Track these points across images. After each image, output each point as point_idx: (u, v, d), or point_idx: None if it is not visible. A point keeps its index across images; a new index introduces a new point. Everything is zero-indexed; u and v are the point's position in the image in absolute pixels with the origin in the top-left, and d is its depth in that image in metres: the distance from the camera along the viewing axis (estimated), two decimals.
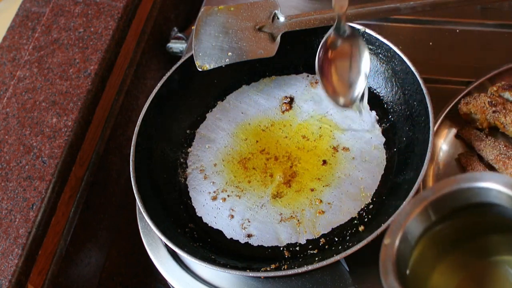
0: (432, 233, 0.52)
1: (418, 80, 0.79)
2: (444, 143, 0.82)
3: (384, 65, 0.85)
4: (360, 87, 0.79)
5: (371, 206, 0.77)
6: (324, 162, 0.81)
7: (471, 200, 0.51)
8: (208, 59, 0.85)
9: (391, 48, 0.83)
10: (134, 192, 0.78)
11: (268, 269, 0.72)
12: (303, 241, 0.76)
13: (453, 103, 0.82)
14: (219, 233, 0.79)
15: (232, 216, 0.80)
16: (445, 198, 0.51)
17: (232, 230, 0.79)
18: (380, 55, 0.85)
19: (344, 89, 0.80)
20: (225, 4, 0.90)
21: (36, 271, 0.83)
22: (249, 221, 0.79)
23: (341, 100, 0.79)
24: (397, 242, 0.49)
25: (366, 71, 0.79)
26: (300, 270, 0.69)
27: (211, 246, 0.78)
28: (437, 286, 0.51)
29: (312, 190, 0.80)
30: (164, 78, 0.87)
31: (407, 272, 0.50)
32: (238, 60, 0.85)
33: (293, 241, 0.77)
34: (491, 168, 0.78)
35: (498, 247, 0.54)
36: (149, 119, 0.85)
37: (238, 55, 0.85)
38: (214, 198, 0.82)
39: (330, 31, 0.80)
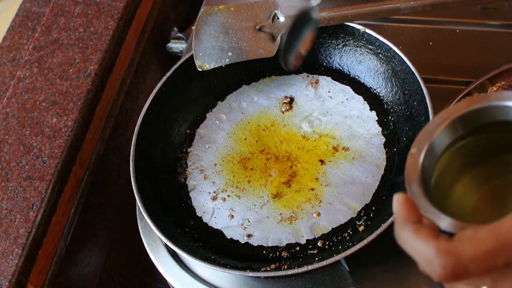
0: (458, 146, 0.52)
1: (418, 80, 0.79)
2: None
3: (384, 65, 0.85)
4: None
5: (371, 206, 0.77)
6: (323, 162, 0.82)
7: (500, 117, 0.51)
8: (208, 59, 0.85)
9: (391, 48, 0.83)
10: (134, 192, 0.78)
11: (268, 269, 0.72)
12: (303, 241, 0.76)
13: (453, 103, 0.82)
14: (219, 233, 0.79)
15: (232, 216, 0.80)
16: (475, 114, 0.51)
17: (232, 230, 0.79)
18: (380, 55, 0.85)
19: None
20: (225, 4, 0.90)
21: (36, 271, 0.83)
22: (249, 221, 0.79)
23: None
24: (423, 151, 0.50)
25: None
26: (300, 270, 0.69)
27: (211, 246, 0.78)
28: (459, 198, 0.52)
29: (312, 190, 0.80)
30: (164, 78, 0.87)
31: (431, 182, 0.50)
32: (238, 60, 0.85)
33: (293, 241, 0.76)
34: None
35: None
36: (149, 119, 0.85)
37: (238, 55, 0.85)
38: (214, 198, 0.82)
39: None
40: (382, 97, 0.85)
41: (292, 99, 0.89)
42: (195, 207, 0.82)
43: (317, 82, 0.89)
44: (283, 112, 0.88)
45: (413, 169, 0.49)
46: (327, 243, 0.75)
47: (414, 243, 0.43)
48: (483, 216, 0.48)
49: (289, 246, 0.76)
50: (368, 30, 0.85)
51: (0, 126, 0.91)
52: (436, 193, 0.49)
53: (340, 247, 0.73)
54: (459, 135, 0.52)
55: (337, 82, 0.89)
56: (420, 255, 0.43)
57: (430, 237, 0.43)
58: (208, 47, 0.86)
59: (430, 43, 0.94)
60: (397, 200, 0.45)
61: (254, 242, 0.77)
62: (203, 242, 0.78)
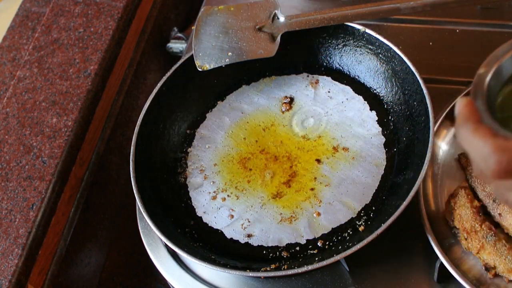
0: None
1: (418, 80, 0.79)
2: (444, 143, 0.82)
3: (384, 65, 0.85)
4: None
5: (371, 206, 0.77)
6: (323, 162, 0.81)
7: None
8: (208, 59, 0.85)
9: (391, 48, 0.83)
10: (134, 192, 0.78)
11: (268, 269, 0.72)
12: (303, 241, 0.76)
13: (453, 103, 0.82)
14: (219, 233, 0.79)
15: (232, 216, 0.80)
16: None
17: (232, 230, 0.79)
18: (380, 55, 0.85)
19: None
20: (225, 4, 0.90)
21: (36, 271, 0.83)
22: (249, 221, 0.79)
23: None
24: (491, 73, 0.50)
25: None
26: (300, 270, 0.69)
27: (211, 246, 0.78)
28: None
29: (312, 190, 0.80)
30: (164, 78, 0.87)
31: (495, 104, 0.51)
32: (238, 60, 0.85)
33: (293, 241, 0.76)
34: None
35: None
36: (149, 119, 0.85)
37: (238, 55, 0.85)
38: (214, 198, 0.82)
39: None
40: (382, 97, 0.85)
41: (292, 99, 0.89)
42: (195, 207, 0.82)
43: (317, 82, 0.89)
44: (283, 112, 0.88)
45: (479, 87, 0.50)
46: (327, 243, 0.75)
47: (472, 140, 0.46)
48: None
49: (289, 246, 0.76)
50: (368, 30, 0.85)
51: (0, 126, 0.91)
52: (499, 115, 0.50)
53: (340, 247, 0.73)
54: None
55: (337, 82, 0.89)
56: (477, 152, 0.45)
57: (488, 135, 0.45)
58: (208, 47, 0.86)
59: (430, 43, 0.94)
60: (461, 102, 0.48)
61: (254, 242, 0.77)
62: (203, 242, 0.78)
